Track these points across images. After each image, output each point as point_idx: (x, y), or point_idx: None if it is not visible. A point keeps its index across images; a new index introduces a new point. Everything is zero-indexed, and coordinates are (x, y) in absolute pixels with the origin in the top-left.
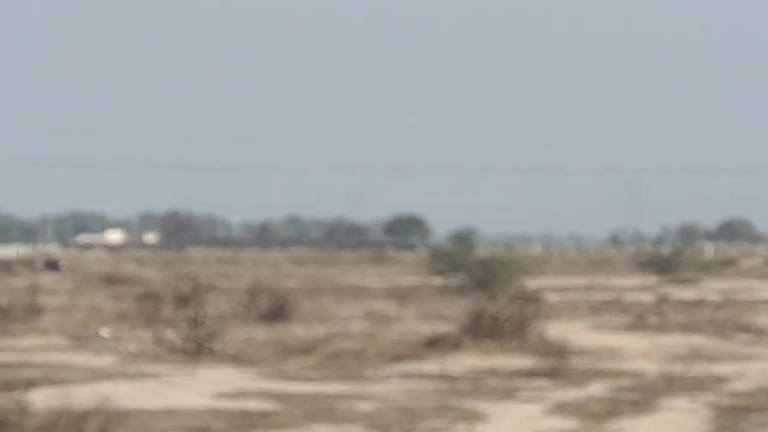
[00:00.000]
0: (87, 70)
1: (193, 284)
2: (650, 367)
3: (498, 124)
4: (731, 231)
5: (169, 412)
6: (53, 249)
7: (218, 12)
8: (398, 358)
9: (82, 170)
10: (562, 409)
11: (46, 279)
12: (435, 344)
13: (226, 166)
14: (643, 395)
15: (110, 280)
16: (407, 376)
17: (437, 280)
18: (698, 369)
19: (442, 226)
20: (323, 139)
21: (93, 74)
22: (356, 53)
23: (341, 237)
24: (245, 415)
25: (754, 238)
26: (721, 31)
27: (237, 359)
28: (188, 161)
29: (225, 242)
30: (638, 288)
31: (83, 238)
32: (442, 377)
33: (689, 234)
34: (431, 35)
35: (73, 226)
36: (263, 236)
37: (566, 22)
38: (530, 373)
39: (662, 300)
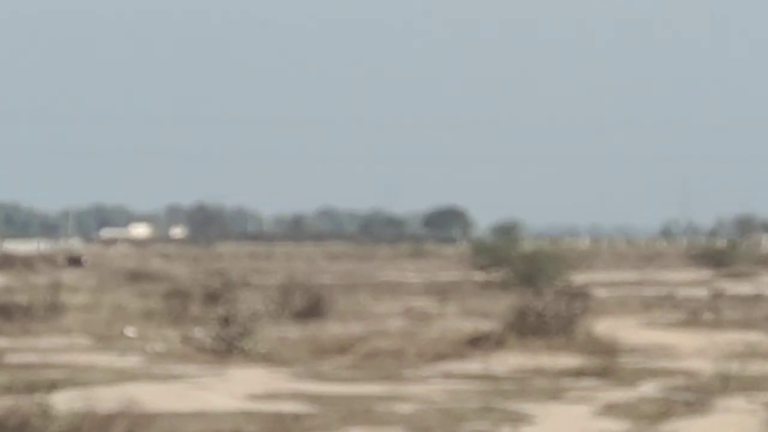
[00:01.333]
0: (106, 52)
1: (222, 280)
2: (705, 366)
3: (542, 108)
4: None
5: (198, 415)
6: (75, 244)
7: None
8: (439, 357)
9: (105, 160)
10: (611, 410)
11: (69, 276)
12: (477, 342)
13: (257, 156)
14: (698, 395)
15: (135, 277)
16: (449, 376)
17: (479, 275)
18: (755, 367)
19: (483, 218)
20: (358, 128)
21: (114, 57)
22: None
23: (377, 230)
24: (278, 418)
25: None
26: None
27: (269, 359)
28: (216, 151)
29: (256, 236)
30: (692, 283)
31: (107, 232)
32: (486, 377)
33: (745, 225)
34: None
35: (96, 220)
36: (296, 230)
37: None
38: (578, 373)
39: (717, 295)
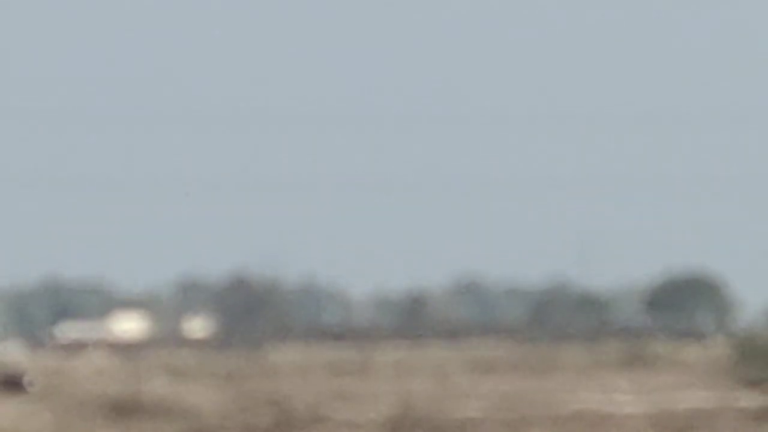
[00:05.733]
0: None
1: (280, 415)
2: None
3: None
4: None
5: None
6: (12, 352)
7: None
8: None
9: (64, 199)
10: None
11: (1, 409)
12: None
13: (342, 188)
14: None
15: (124, 411)
16: None
17: (750, 398)
18: None
19: (754, 294)
20: (523, 142)
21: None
22: None
23: (561, 318)
24: None
25: None
26: None
27: None
28: (268, 180)
29: (340, 332)
30: None
31: (69, 329)
32: None
33: None
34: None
35: (50, 308)
36: (413, 320)
37: None
38: None
39: None
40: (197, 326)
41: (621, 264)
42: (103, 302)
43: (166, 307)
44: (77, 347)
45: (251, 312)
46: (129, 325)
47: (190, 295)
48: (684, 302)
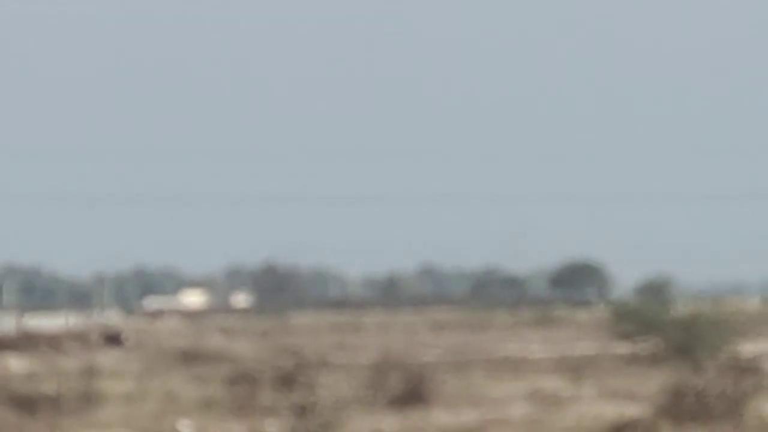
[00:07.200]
0: (143, 79)
1: (298, 360)
2: None
3: (691, 135)
4: None
5: None
6: (113, 318)
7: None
8: None
9: (146, 210)
10: None
11: (106, 358)
12: None
13: (339, 202)
14: None
15: (189, 358)
16: None
17: (622, 347)
18: None
19: (626, 275)
20: (467, 167)
21: (155, 83)
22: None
23: (493, 292)
24: None
25: None
26: None
27: None
28: (288, 196)
29: (339, 303)
30: None
31: (152, 302)
32: None
33: None
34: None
35: (138, 287)
36: (390, 294)
37: None
38: None
39: None
40: (241, 299)
41: (535, 254)
42: (175, 283)
43: (219, 286)
44: (158, 314)
45: (278, 289)
46: (194, 299)
47: (236, 277)
48: (577, 280)
